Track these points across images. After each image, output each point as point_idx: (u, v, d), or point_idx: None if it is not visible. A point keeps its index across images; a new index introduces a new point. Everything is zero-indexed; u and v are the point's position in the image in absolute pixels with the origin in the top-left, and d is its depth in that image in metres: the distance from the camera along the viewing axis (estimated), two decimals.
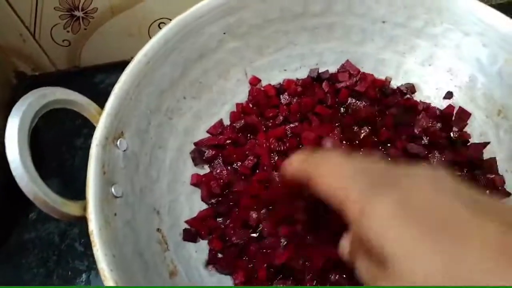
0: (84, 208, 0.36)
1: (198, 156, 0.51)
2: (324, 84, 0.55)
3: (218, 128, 0.53)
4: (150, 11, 0.64)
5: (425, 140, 0.50)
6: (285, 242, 0.45)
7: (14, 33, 0.64)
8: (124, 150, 0.42)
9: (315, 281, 0.43)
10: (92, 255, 0.35)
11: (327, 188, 0.32)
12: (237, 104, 0.55)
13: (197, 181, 0.50)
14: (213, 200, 0.49)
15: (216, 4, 0.49)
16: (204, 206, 0.49)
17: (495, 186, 0.48)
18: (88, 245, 0.35)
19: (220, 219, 0.48)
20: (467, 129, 0.52)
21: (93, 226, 0.36)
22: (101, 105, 0.42)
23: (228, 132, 0.52)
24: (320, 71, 0.56)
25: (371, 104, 0.53)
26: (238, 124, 0.52)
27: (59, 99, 0.39)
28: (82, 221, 0.36)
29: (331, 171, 0.32)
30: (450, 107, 0.53)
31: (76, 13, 0.62)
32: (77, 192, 0.38)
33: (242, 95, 0.56)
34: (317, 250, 0.43)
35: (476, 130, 0.52)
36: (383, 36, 0.55)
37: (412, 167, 0.30)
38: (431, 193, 0.27)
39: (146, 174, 0.45)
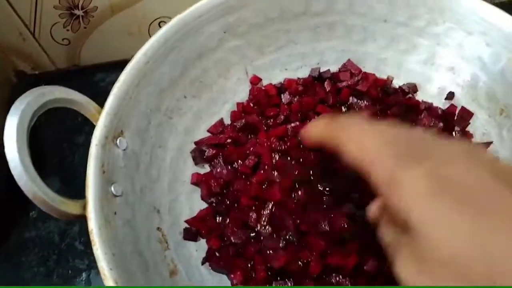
0: (84, 207, 0.36)
1: (198, 155, 0.51)
2: (326, 83, 0.54)
3: (218, 127, 0.53)
4: (150, 10, 0.64)
5: None
6: (284, 243, 0.44)
7: (13, 32, 0.63)
8: (124, 149, 0.42)
9: (314, 282, 0.42)
10: (92, 254, 0.35)
11: (355, 155, 0.30)
12: (238, 103, 0.55)
13: (197, 180, 0.50)
14: (213, 199, 0.49)
15: (216, 3, 0.49)
16: (204, 205, 0.49)
17: None
18: (88, 244, 0.35)
19: (220, 218, 0.48)
20: (469, 128, 0.52)
21: (93, 225, 0.36)
22: (101, 104, 0.42)
23: (228, 131, 0.52)
24: (321, 70, 0.56)
25: (373, 104, 0.53)
26: (239, 124, 0.52)
27: (58, 98, 0.38)
28: (82, 220, 0.36)
29: (359, 136, 0.31)
30: (452, 106, 0.53)
31: (76, 11, 0.62)
32: (78, 190, 0.38)
33: (242, 94, 0.55)
34: (316, 253, 0.43)
35: (478, 130, 0.51)
36: (384, 35, 0.54)
37: (446, 139, 0.29)
38: (465, 165, 0.26)
39: (146, 173, 0.45)
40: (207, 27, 0.49)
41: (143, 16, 0.64)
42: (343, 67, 0.56)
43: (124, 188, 0.41)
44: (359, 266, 0.42)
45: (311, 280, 0.42)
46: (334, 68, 0.56)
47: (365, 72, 0.56)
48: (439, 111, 0.53)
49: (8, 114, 0.35)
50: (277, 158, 0.50)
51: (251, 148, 0.50)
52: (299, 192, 0.47)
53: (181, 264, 0.44)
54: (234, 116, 0.54)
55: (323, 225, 0.44)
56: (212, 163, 0.51)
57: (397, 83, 0.56)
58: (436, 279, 0.23)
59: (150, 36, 0.46)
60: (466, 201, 0.24)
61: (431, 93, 0.55)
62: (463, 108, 0.52)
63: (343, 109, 0.54)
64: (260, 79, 0.56)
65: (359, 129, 0.31)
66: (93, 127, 0.40)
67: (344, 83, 0.54)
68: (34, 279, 0.53)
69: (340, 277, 0.42)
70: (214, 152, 0.51)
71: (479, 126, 0.51)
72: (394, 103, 0.53)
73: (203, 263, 0.46)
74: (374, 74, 0.55)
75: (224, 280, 0.45)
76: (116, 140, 0.41)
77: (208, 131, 0.53)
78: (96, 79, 0.69)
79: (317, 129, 0.36)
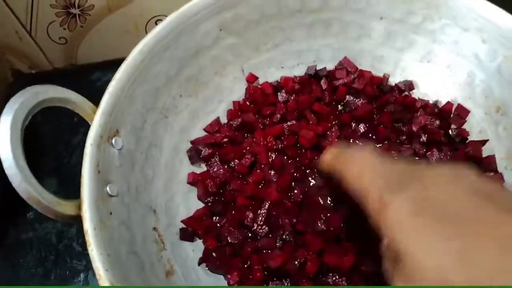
0: (79, 207, 0.36)
1: (194, 155, 0.51)
2: (322, 81, 0.54)
3: (215, 126, 0.53)
4: (147, 8, 0.63)
5: (423, 138, 0.50)
6: (281, 242, 0.44)
7: (10, 31, 0.63)
8: (120, 149, 0.42)
9: (310, 282, 0.42)
10: None
11: (353, 186, 0.34)
12: (234, 102, 0.55)
13: (193, 180, 0.49)
14: (209, 199, 0.49)
15: (211, 0, 0.48)
16: (200, 205, 0.49)
17: None
18: (86, 244, 0.35)
19: (216, 218, 0.48)
20: (465, 126, 0.52)
21: (88, 225, 0.35)
22: (98, 103, 0.41)
23: (225, 130, 0.52)
24: (317, 68, 0.55)
25: (369, 102, 0.53)
26: (235, 122, 0.52)
27: (52, 97, 0.38)
28: (78, 220, 0.36)
29: (360, 169, 0.34)
30: (449, 104, 0.52)
31: (73, 10, 0.62)
32: (74, 189, 0.37)
33: (239, 93, 0.55)
34: (313, 252, 0.43)
35: (475, 127, 0.51)
36: (381, 32, 0.54)
37: (435, 166, 0.32)
38: (449, 188, 0.27)
39: (142, 173, 0.45)
40: (202, 24, 0.49)
41: (140, 14, 0.64)
42: (339, 65, 0.56)
43: (120, 188, 0.40)
44: (356, 266, 0.42)
45: (308, 280, 0.42)
46: (330, 66, 0.56)
47: (361, 70, 0.56)
48: (435, 109, 0.53)
49: (2, 113, 0.35)
50: (273, 157, 0.50)
51: (248, 147, 0.50)
52: (296, 191, 0.47)
53: (178, 264, 0.44)
54: (231, 114, 0.54)
55: (319, 225, 0.44)
56: (209, 162, 0.51)
57: (393, 80, 0.56)
58: None
59: None
60: (445, 218, 0.25)
61: (427, 91, 0.55)
62: (459, 106, 0.52)
63: (339, 107, 0.54)
64: (257, 78, 0.56)
65: (361, 162, 0.35)
66: (89, 126, 0.40)
67: (340, 81, 0.54)
68: (31, 280, 0.53)
69: (337, 276, 0.42)
70: (210, 151, 0.50)
71: (475, 124, 0.51)
72: (390, 101, 0.53)
73: (199, 264, 0.45)
74: (370, 72, 0.55)
75: (221, 280, 0.45)
76: (112, 140, 0.41)
77: (204, 130, 0.53)
78: (93, 78, 0.69)
79: (327, 160, 0.40)
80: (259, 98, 0.53)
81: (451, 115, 0.52)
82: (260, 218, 0.46)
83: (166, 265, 0.43)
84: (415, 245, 0.25)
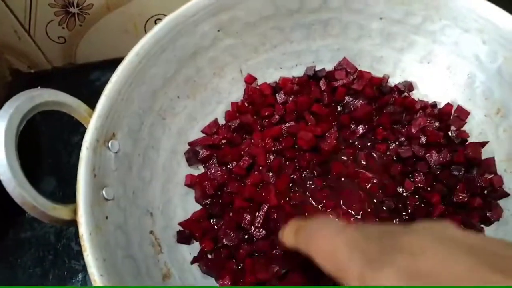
0: (75, 212, 0.36)
1: (192, 156, 0.50)
2: (321, 82, 0.54)
3: (213, 128, 0.52)
4: (146, 7, 0.63)
5: (422, 140, 0.50)
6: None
7: (8, 30, 0.63)
8: (116, 152, 0.42)
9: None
10: None
11: (327, 266, 0.29)
12: (232, 103, 0.54)
13: (191, 182, 0.49)
14: (207, 201, 0.48)
15: (209, 1, 0.48)
16: (198, 207, 0.49)
17: (493, 186, 0.47)
18: None
19: (214, 220, 0.47)
20: (465, 128, 0.52)
21: (84, 230, 0.35)
22: (97, 102, 0.41)
23: (223, 131, 0.52)
24: (316, 69, 0.55)
25: (368, 103, 0.52)
26: (233, 124, 0.52)
27: (48, 101, 0.38)
28: (74, 225, 0.36)
29: (329, 246, 0.30)
30: (449, 105, 0.52)
31: (71, 9, 0.62)
32: (73, 189, 0.37)
33: (237, 94, 0.55)
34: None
35: (474, 129, 0.51)
36: (380, 32, 0.54)
37: (411, 226, 0.28)
38: (434, 254, 0.24)
39: (139, 176, 0.45)
40: (200, 25, 0.49)
41: (139, 13, 0.64)
42: (339, 65, 0.56)
43: (116, 192, 0.40)
44: None
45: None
46: (329, 67, 0.56)
47: (360, 71, 0.55)
48: (435, 110, 0.52)
49: None
50: (271, 159, 0.49)
51: (246, 149, 0.50)
52: (296, 194, 0.47)
53: (174, 268, 0.44)
54: (229, 116, 0.53)
55: None
56: (207, 164, 0.51)
57: (392, 81, 0.55)
58: None
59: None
60: None
61: (427, 92, 0.54)
62: (459, 107, 0.52)
63: (338, 108, 0.53)
64: (255, 78, 0.55)
65: (328, 237, 0.30)
66: None
67: (339, 82, 0.54)
68: (29, 280, 0.53)
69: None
70: (208, 153, 0.50)
71: (475, 126, 0.51)
72: (390, 102, 0.52)
73: (192, 263, 0.45)
74: (369, 73, 0.55)
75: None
76: (108, 143, 0.41)
77: (202, 131, 0.53)
78: (92, 78, 0.69)
79: (288, 239, 0.36)
80: (257, 99, 0.53)
81: (451, 117, 0.52)
82: (257, 220, 0.45)
83: (163, 268, 0.43)
84: None
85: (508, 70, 0.47)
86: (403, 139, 0.51)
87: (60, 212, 0.36)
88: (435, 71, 0.53)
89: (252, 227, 0.45)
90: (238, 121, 0.52)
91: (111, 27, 0.65)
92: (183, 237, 0.46)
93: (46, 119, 0.64)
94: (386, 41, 0.54)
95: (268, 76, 0.56)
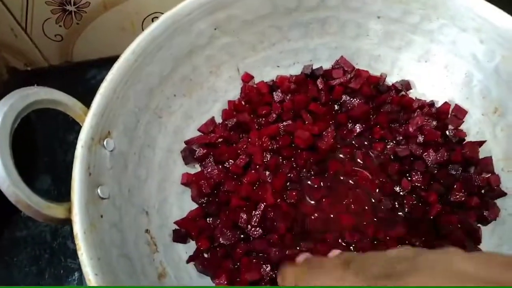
0: (69, 211, 0.36)
1: (189, 155, 0.50)
2: (318, 81, 0.54)
3: (209, 126, 0.52)
4: (143, 6, 0.63)
5: (420, 139, 0.49)
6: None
7: (5, 28, 0.63)
8: (111, 150, 0.41)
9: None
10: None
11: None
12: (229, 102, 0.54)
13: (187, 181, 0.49)
14: (203, 200, 0.48)
15: None
16: (194, 206, 0.49)
17: (490, 185, 0.47)
18: None
19: (210, 219, 0.47)
20: (463, 127, 0.51)
21: (78, 228, 0.35)
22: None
23: (219, 130, 0.52)
24: (314, 68, 0.55)
25: (366, 102, 0.52)
26: (230, 122, 0.52)
27: (43, 99, 0.38)
28: (68, 223, 0.36)
29: None
30: (446, 104, 0.52)
31: (68, 7, 0.61)
32: (68, 189, 0.37)
33: (234, 92, 0.55)
34: None
35: (472, 128, 0.51)
36: (378, 31, 0.54)
37: (415, 260, 0.26)
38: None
39: (135, 174, 0.45)
40: (197, 24, 0.48)
41: (136, 11, 0.64)
42: (336, 64, 0.55)
43: (111, 190, 0.40)
44: None
45: None
46: (327, 65, 0.56)
47: (358, 69, 0.55)
48: (433, 109, 0.52)
49: None
50: (268, 158, 0.49)
51: (243, 148, 0.50)
52: (293, 193, 0.47)
53: (170, 267, 0.44)
54: (226, 114, 0.53)
55: None
56: (203, 163, 0.50)
57: (390, 80, 0.55)
58: None
59: None
60: None
61: (424, 91, 0.54)
62: (457, 106, 0.51)
63: (336, 107, 0.53)
64: (252, 77, 0.55)
65: (331, 282, 0.29)
66: None
67: (336, 81, 0.53)
68: (25, 279, 0.52)
69: None
70: (205, 151, 0.50)
71: (472, 125, 0.51)
72: (387, 101, 0.52)
73: (188, 262, 0.45)
74: (367, 71, 0.55)
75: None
76: (103, 142, 0.40)
77: (198, 130, 0.52)
78: (88, 76, 0.68)
79: (285, 283, 0.36)
80: (254, 98, 0.53)
81: (449, 116, 0.52)
82: (254, 219, 0.45)
83: (159, 267, 0.43)
84: None
85: (506, 69, 0.47)
86: (401, 138, 0.51)
87: (55, 210, 0.35)
88: (432, 70, 0.53)
89: (249, 226, 0.45)
90: (235, 119, 0.51)
91: (108, 25, 0.65)
92: (179, 236, 0.46)
93: (42, 117, 0.63)
94: (384, 40, 0.54)
95: (265, 74, 0.56)
